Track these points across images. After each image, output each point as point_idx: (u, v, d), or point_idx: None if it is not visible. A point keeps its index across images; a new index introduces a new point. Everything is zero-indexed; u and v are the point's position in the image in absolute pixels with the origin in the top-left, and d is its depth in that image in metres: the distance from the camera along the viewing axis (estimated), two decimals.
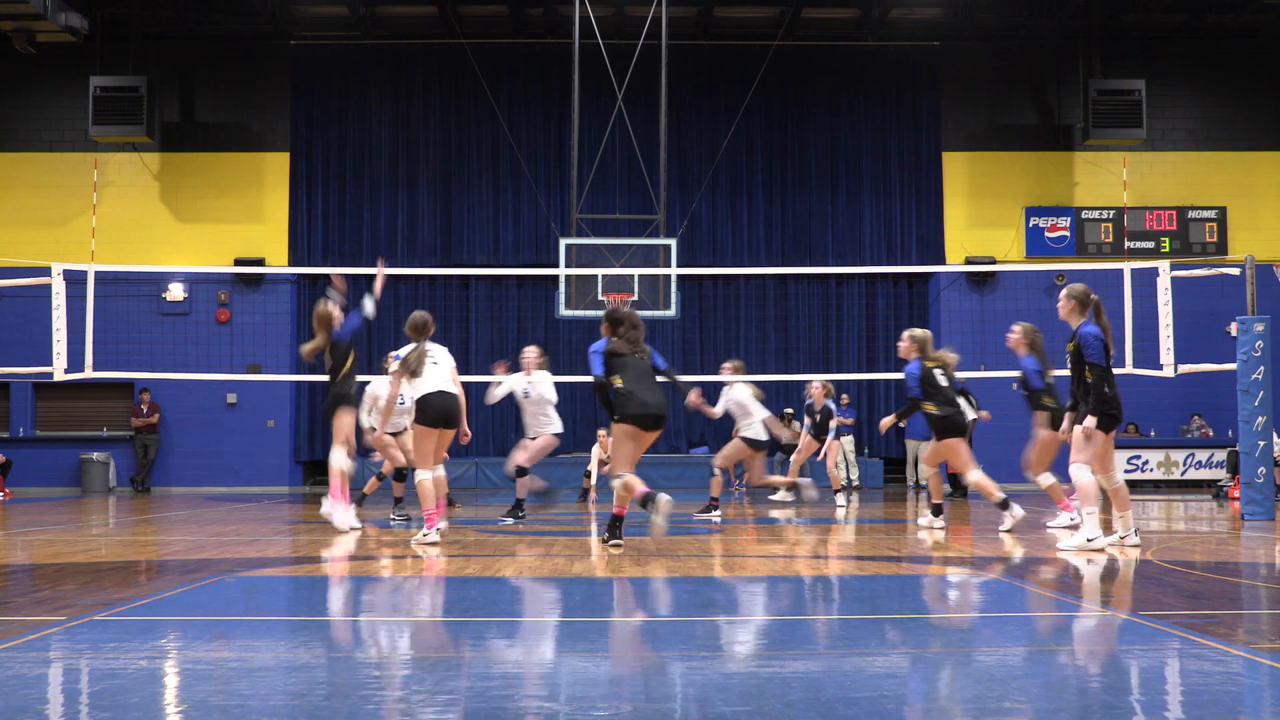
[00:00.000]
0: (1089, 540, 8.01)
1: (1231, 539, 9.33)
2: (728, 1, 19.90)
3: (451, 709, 3.41)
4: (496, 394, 11.38)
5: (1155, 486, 19.30)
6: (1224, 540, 9.27)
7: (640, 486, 8.07)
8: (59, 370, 13.03)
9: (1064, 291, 8.33)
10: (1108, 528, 8.56)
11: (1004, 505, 9.75)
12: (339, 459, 9.87)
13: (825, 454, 14.99)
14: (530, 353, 11.32)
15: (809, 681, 3.77)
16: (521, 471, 10.96)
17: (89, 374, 13.34)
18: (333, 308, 10.03)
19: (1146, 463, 19.52)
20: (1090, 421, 7.90)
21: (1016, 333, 10.18)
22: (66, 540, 9.21)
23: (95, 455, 19.37)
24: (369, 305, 10.20)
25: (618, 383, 8.27)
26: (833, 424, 14.61)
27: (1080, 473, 8.05)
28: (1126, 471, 19.49)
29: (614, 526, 8.21)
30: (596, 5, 18.71)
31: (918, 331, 10.15)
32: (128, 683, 3.77)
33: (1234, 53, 20.84)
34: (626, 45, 18.69)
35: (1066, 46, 20.60)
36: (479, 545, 8.58)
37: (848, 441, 19.51)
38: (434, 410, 8.73)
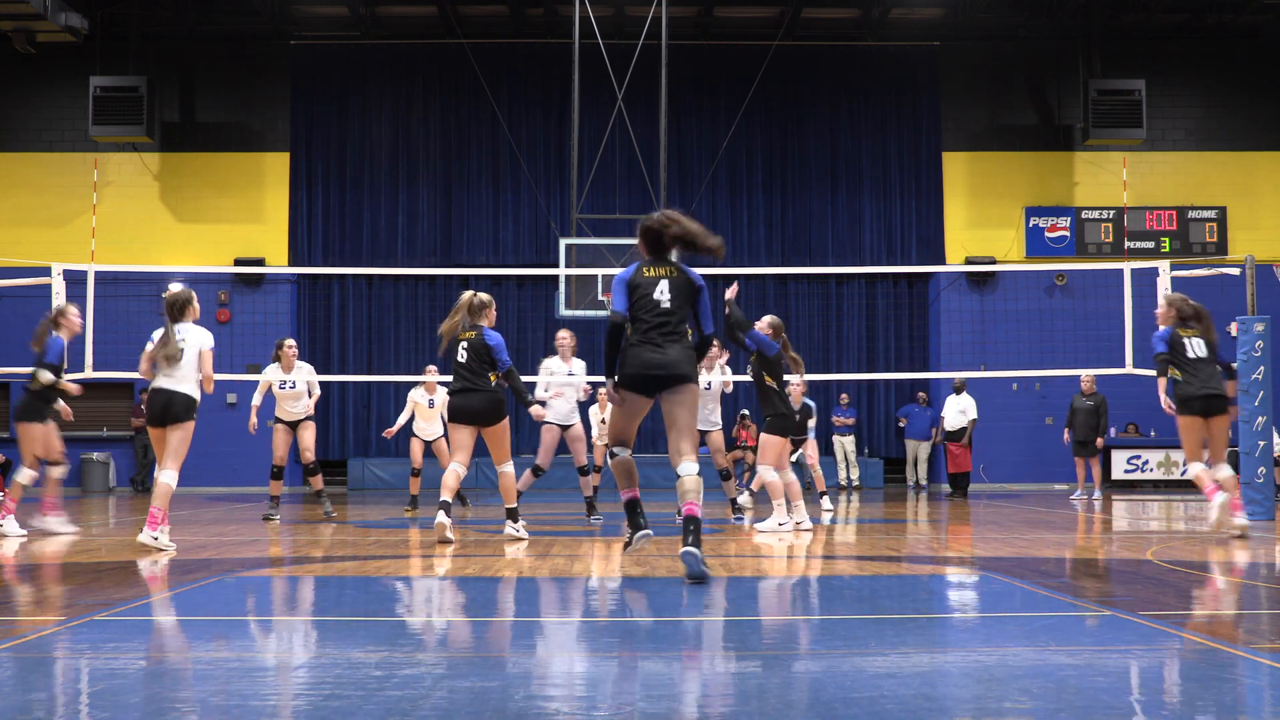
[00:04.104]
0: (780, 525, 9.63)
1: (1232, 539, 9.33)
2: (728, 1, 19.89)
3: (451, 708, 3.41)
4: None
5: (1155, 486, 19.30)
6: (1224, 540, 9.27)
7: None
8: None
9: (764, 320, 9.68)
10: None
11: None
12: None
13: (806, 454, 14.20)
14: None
15: (809, 681, 3.77)
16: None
17: (89, 374, 13.29)
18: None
19: (1146, 463, 19.53)
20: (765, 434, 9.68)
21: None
22: (67, 540, 9.21)
23: (95, 455, 19.37)
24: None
25: (628, 330, 6.33)
26: (811, 423, 14.00)
27: (767, 472, 9.72)
28: (1126, 471, 19.51)
29: (631, 513, 6.56)
30: (596, 5, 18.70)
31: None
32: (128, 683, 3.77)
33: (1234, 53, 20.84)
34: (626, 45, 18.68)
35: (1066, 46, 20.59)
36: (479, 545, 8.58)
37: (848, 441, 19.51)
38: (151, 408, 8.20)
